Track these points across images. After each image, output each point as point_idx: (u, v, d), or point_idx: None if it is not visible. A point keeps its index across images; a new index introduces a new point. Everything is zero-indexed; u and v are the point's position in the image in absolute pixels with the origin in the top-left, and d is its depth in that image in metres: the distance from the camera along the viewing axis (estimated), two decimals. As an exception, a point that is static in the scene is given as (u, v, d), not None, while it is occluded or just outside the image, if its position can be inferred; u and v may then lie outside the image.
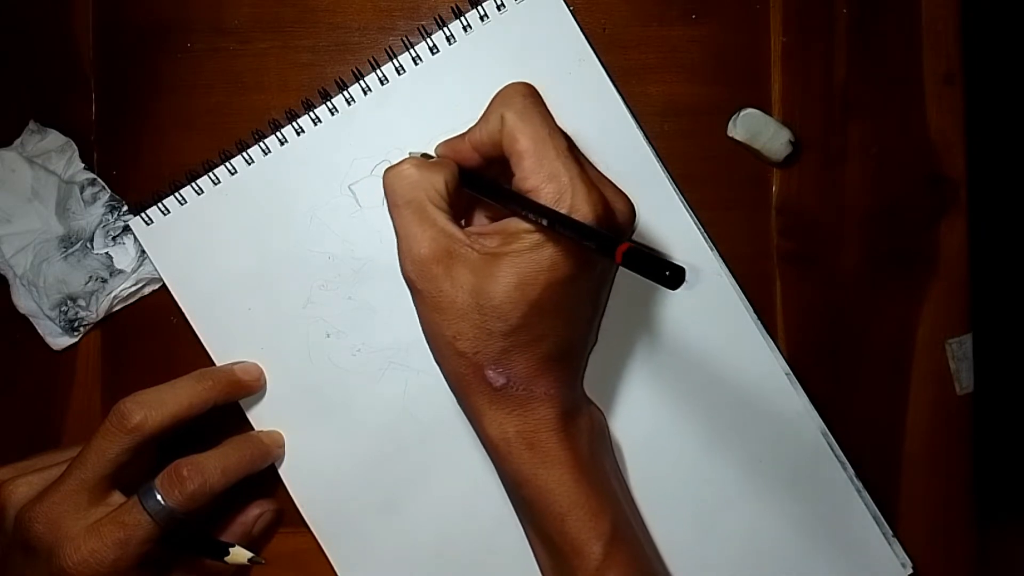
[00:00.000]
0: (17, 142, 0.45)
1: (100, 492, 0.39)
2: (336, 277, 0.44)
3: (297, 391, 0.44)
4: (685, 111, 0.45)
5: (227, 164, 0.44)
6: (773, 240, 0.45)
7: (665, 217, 0.44)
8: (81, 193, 0.44)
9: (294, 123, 0.44)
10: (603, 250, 0.31)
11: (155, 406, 0.39)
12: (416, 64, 0.44)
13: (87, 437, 0.39)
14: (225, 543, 0.39)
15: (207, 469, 0.39)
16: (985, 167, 0.51)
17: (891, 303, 0.45)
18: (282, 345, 0.44)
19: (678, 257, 0.44)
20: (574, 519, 0.37)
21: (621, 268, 0.30)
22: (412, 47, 0.44)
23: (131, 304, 0.45)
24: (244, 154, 0.44)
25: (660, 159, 0.44)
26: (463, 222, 0.41)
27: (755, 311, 0.44)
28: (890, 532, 0.44)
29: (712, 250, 0.44)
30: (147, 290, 0.45)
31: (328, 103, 0.44)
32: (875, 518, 0.44)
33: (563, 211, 0.34)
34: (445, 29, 0.43)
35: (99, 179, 0.45)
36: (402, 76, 0.44)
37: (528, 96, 0.37)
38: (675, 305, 0.44)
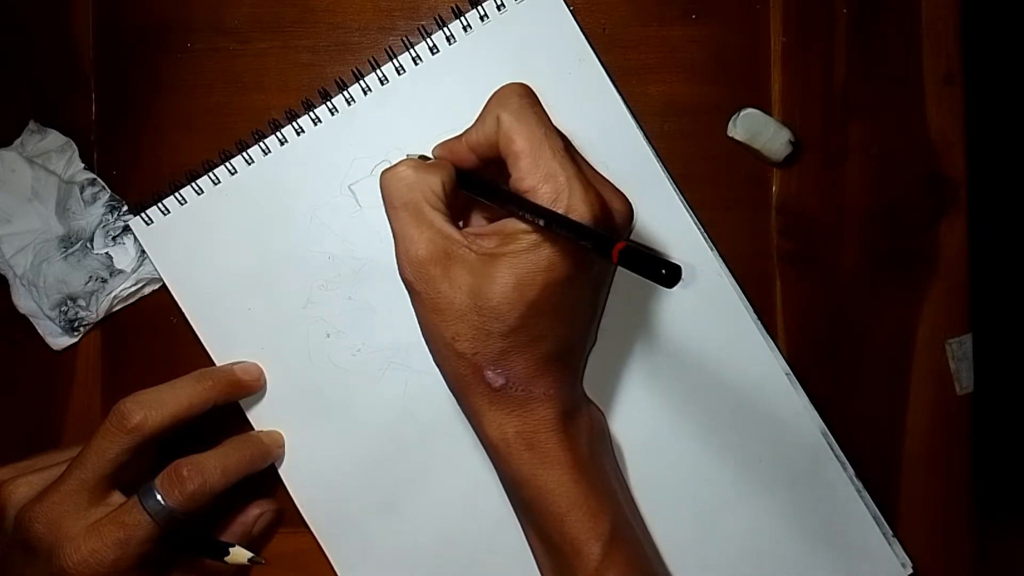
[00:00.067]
0: (17, 142, 0.45)
1: (100, 492, 0.39)
2: (336, 277, 0.44)
3: (297, 391, 0.44)
4: (685, 111, 0.45)
5: (227, 164, 0.44)
6: (773, 240, 0.45)
7: (665, 217, 0.44)
8: (81, 193, 0.44)
9: (294, 123, 0.44)
10: (600, 249, 0.31)
11: (155, 406, 0.39)
12: (416, 64, 0.44)
13: (87, 437, 0.39)
14: (225, 543, 0.39)
15: (207, 469, 0.39)
16: (985, 167, 0.51)
17: (891, 303, 0.45)
18: (282, 345, 0.44)
19: (678, 257, 0.44)
20: (573, 519, 0.37)
21: (620, 269, 0.30)
22: (412, 47, 0.44)
23: (131, 304, 0.45)
24: (244, 154, 0.44)
25: (660, 159, 0.44)
26: (461, 223, 0.41)
27: (755, 311, 0.44)
28: (890, 532, 0.44)
29: (712, 250, 0.44)
30: (147, 290, 0.45)
31: (328, 103, 0.44)
32: (875, 518, 0.44)
33: (560, 211, 0.34)
34: (445, 29, 0.43)
35: (99, 179, 0.45)
36: (402, 76, 0.44)
37: (524, 97, 0.37)
38: (675, 305, 0.44)
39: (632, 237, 0.44)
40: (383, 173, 0.38)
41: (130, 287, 0.45)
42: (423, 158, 0.41)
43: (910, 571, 0.44)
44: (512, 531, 0.42)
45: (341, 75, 0.44)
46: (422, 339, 0.38)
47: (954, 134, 0.45)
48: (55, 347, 0.45)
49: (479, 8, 0.43)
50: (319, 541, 0.45)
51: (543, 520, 0.38)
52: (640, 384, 0.44)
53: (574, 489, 0.37)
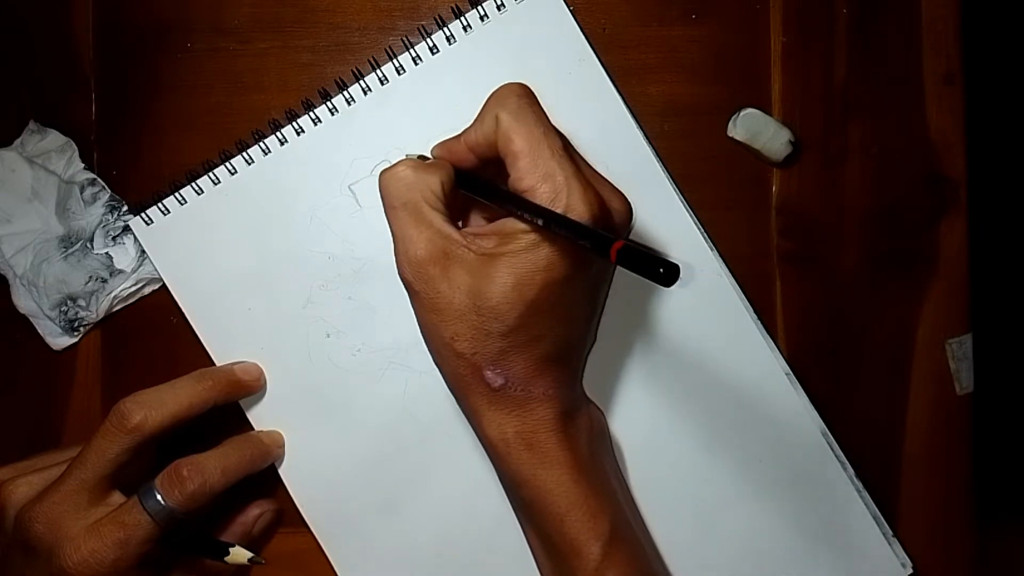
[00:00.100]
0: (17, 142, 0.45)
1: (100, 492, 0.39)
2: (336, 277, 0.44)
3: (297, 391, 0.44)
4: (685, 111, 0.45)
5: (227, 164, 0.44)
6: (773, 240, 0.45)
7: (665, 217, 0.44)
8: (81, 193, 0.44)
9: (294, 123, 0.44)
10: (598, 249, 0.31)
11: (155, 406, 0.39)
12: (416, 64, 0.44)
13: (87, 437, 0.39)
14: (225, 543, 0.39)
15: (207, 469, 0.39)
16: (985, 167, 0.51)
17: (891, 303, 0.45)
18: (282, 345, 0.44)
19: (678, 257, 0.44)
20: (573, 519, 0.37)
21: (620, 269, 0.30)
22: (412, 47, 0.44)
23: (131, 304, 0.45)
24: (244, 154, 0.44)
25: (660, 159, 0.44)
26: (460, 223, 0.41)
27: (755, 311, 0.44)
28: (890, 532, 0.44)
29: (712, 250, 0.44)
30: (147, 290, 0.45)
31: (328, 103, 0.44)
32: (875, 518, 0.44)
33: (559, 211, 0.34)
34: (445, 29, 0.43)
35: (99, 179, 0.45)
36: (402, 76, 0.44)
37: (522, 96, 0.37)
38: (675, 305, 0.44)
39: (632, 237, 0.44)
40: (382, 173, 0.38)
41: (130, 287, 0.45)
42: (422, 158, 0.41)
43: (910, 571, 0.44)
44: (512, 531, 0.42)
45: (341, 75, 0.44)
46: (422, 339, 0.38)
47: (954, 134, 0.45)
48: (55, 347, 0.45)
49: (479, 8, 0.43)
50: (319, 541, 0.45)
51: (543, 520, 0.38)
52: (640, 384, 0.44)
53: (573, 489, 0.37)
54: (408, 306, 0.38)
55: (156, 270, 0.44)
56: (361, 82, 0.44)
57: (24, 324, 0.45)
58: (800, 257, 0.45)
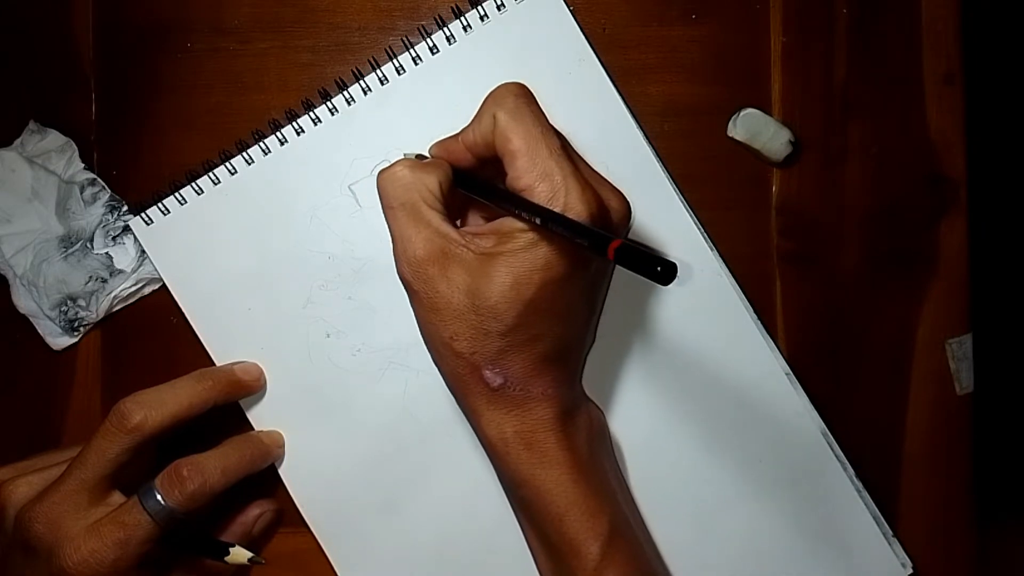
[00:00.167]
0: (17, 142, 0.45)
1: (100, 492, 0.39)
2: (336, 277, 0.44)
3: (297, 391, 0.44)
4: (685, 111, 0.45)
5: (227, 164, 0.44)
6: (773, 240, 0.45)
7: (665, 217, 0.44)
8: (81, 193, 0.44)
9: (294, 123, 0.44)
10: (596, 247, 0.31)
11: (155, 406, 0.39)
12: (416, 64, 0.44)
13: (87, 437, 0.39)
14: (225, 543, 0.39)
15: (207, 469, 0.39)
16: (985, 167, 0.51)
17: (891, 303, 0.45)
18: (282, 345, 0.44)
19: (678, 257, 0.44)
20: (572, 519, 0.37)
21: (620, 268, 0.30)
22: (412, 47, 0.44)
23: (131, 304, 0.45)
24: (244, 154, 0.44)
25: (660, 159, 0.44)
26: (458, 222, 0.41)
27: (755, 311, 0.44)
28: (890, 532, 0.44)
29: (712, 250, 0.44)
30: (147, 290, 0.45)
31: (328, 103, 0.44)
32: (875, 518, 0.44)
33: (557, 210, 0.34)
34: (445, 29, 0.43)
35: (99, 179, 0.45)
36: (402, 76, 0.44)
37: (520, 96, 0.37)
38: (675, 305, 0.44)
39: (632, 237, 0.44)
40: (380, 173, 0.38)
41: (130, 287, 0.45)
42: (420, 157, 0.41)
43: (910, 571, 0.44)
44: (512, 531, 0.42)
45: (341, 75, 0.44)
46: (421, 339, 0.38)
47: (954, 134, 0.45)
48: (55, 347, 0.45)
49: (479, 8, 0.43)
50: (319, 541, 0.45)
51: (542, 520, 0.38)
52: (640, 384, 0.44)
53: (573, 489, 0.37)
54: (408, 306, 0.38)
55: (156, 270, 0.44)
56: (361, 82, 0.44)
57: (24, 324, 0.45)
58: (800, 257, 0.45)
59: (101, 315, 0.45)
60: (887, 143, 0.45)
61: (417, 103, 0.44)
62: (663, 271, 0.29)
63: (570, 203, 0.34)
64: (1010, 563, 0.63)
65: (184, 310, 0.44)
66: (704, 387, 0.44)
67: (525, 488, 0.38)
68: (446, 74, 0.44)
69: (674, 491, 0.44)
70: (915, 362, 0.45)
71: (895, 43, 0.45)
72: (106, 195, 0.45)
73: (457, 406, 0.40)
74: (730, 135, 0.44)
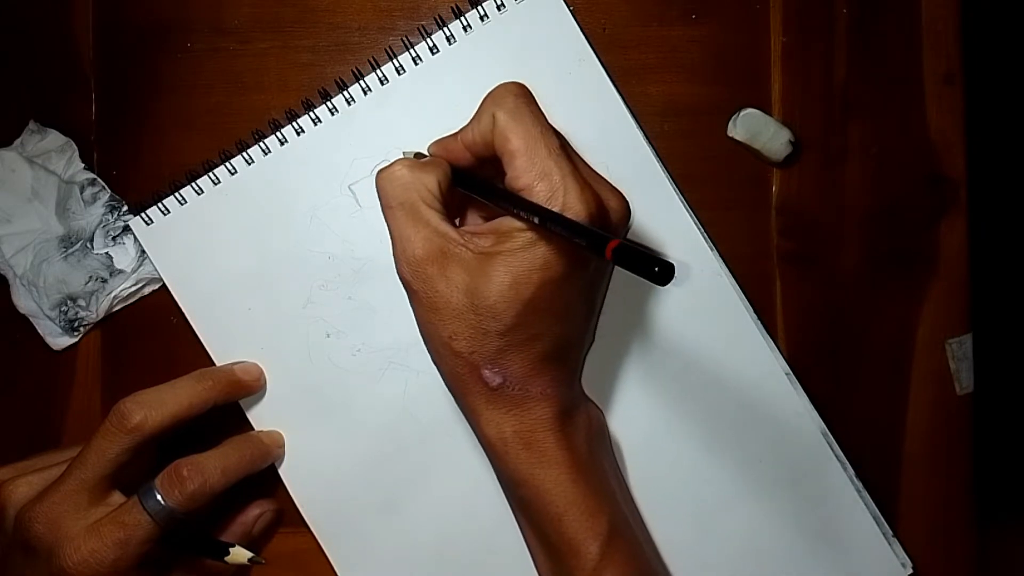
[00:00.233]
0: (17, 142, 0.45)
1: (100, 492, 0.39)
2: (336, 277, 0.44)
3: (297, 391, 0.44)
4: (685, 111, 0.45)
5: (227, 164, 0.44)
6: (773, 240, 0.45)
7: (665, 217, 0.44)
8: (81, 193, 0.44)
9: (294, 123, 0.44)
10: (594, 247, 0.31)
11: (155, 406, 0.39)
12: (416, 64, 0.44)
13: (87, 437, 0.39)
14: (225, 543, 0.39)
15: (207, 469, 0.39)
16: (985, 167, 0.51)
17: (891, 303, 0.45)
18: (282, 345, 0.44)
19: (678, 257, 0.44)
20: (571, 519, 0.37)
21: (619, 268, 0.30)
22: (412, 47, 0.44)
23: (131, 304, 0.45)
24: (244, 154, 0.44)
25: (660, 159, 0.44)
26: (457, 222, 0.41)
27: (755, 311, 0.44)
28: (890, 532, 0.44)
29: (712, 250, 0.44)
30: (147, 290, 0.45)
31: (328, 103, 0.44)
32: (875, 518, 0.44)
33: (556, 209, 0.34)
34: (445, 29, 0.43)
35: (99, 179, 0.45)
36: (402, 76, 0.44)
37: (519, 96, 0.37)
38: (675, 305, 0.44)
39: (632, 237, 0.44)
40: (378, 173, 0.38)
41: (130, 287, 0.45)
42: (419, 156, 0.41)
43: (910, 571, 0.44)
44: (512, 531, 0.42)
45: (341, 75, 0.44)
46: (421, 339, 0.38)
47: (954, 134, 0.45)
48: (55, 347, 0.45)
49: (479, 8, 0.43)
50: (319, 541, 0.45)
51: (541, 520, 0.38)
52: (640, 384, 0.44)
53: (572, 488, 0.37)
54: (408, 306, 0.38)
55: (156, 270, 0.44)
56: (361, 82, 0.44)
57: (24, 324, 0.45)
58: (800, 257, 0.45)
59: (101, 315, 0.45)
60: (887, 143, 0.45)
61: (417, 103, 0.44)
62: (660, 271, 0.29)
63: (569, 203, 0.34)
64: (1010, 563, 0.63)
65: (184, 310, 0.44)
66: (704, 387, 0.44)
67: (524, 488, 0.38)
68: (446, 74, 0.44)
69: (674, 491, 0.44)
70: (915, 362, 0.45)
71: (895, 43, 0.45)
72: (106, 195, 0.45)
73: (457, 406, 0.40)
74: (730, 135, 0.44)
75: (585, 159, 0.41)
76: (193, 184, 0.44)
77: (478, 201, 0.40)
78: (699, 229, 0.44)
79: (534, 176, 0.35)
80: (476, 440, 0.39)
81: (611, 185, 0.39)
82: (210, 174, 0.44)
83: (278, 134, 0.44)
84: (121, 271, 0.44)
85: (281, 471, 0.45)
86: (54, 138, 0.45)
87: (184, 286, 0.44)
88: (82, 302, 0.44)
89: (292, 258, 0.44)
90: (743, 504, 0.44)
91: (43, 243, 0.44)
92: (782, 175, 0.45)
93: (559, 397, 0.38)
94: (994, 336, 0.55)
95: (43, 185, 0.44)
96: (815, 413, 0.44)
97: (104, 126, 0.45)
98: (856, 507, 0.44)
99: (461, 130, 0.39)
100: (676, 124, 0.45)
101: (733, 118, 0.44)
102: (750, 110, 0.44)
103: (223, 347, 0.44)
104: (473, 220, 0.42)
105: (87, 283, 0.44)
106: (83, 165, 0.45)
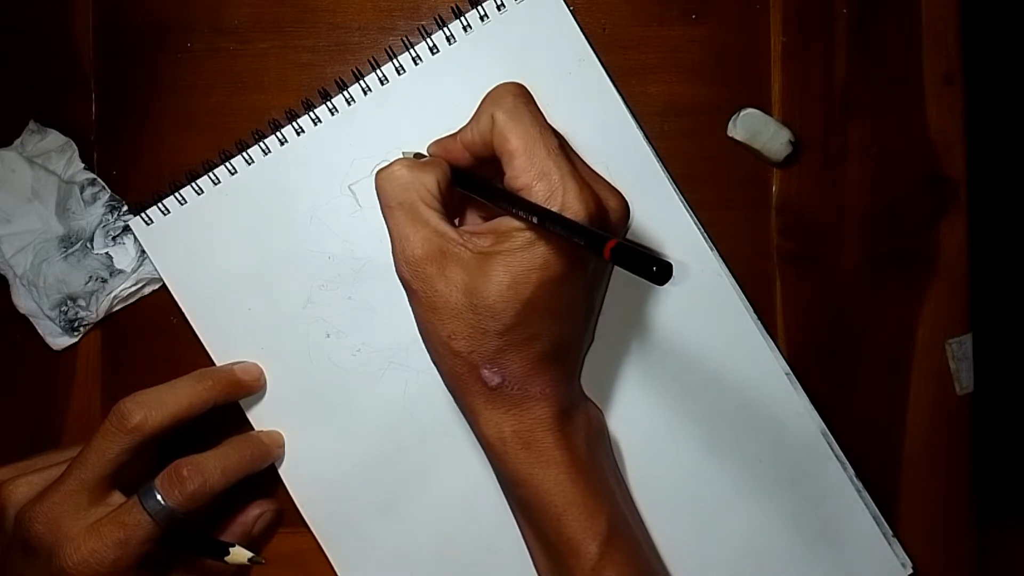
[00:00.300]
0: (17, 142, 0.45)
1: (100, 492, 0.39)
2: (336, 277, 0.44)
3: (297, 391, 0.44)
4: (685, 111, 0.45)
5: (227, 164, 0.44)
6: (773, 240, 0.45)
7: (665, 217, 0.44)
8: (81, 193, 0.44)
9: (294, 123, 0.44)
10: (592, 247, 0.31)
11: (155, 406, 0.39)
12: (416, 64, 0.44)
13: (87, 437, 0.39)
14: (225, 543, 0.39)
15: (207, 469, 0.39)
16: (985, 167, 0.51)
17: (891, 303, 0.45)
18: (282, 345, 0.44)
19: (678, 257, 0.44)
20: (570, 519, 0.37)
21: (619, 268, 0.30)
22: (412, 47, 0.44)
23: (131, 304, 0.45)
24: (244, 154, 0.44)
25: (660, 159, 0.44)
26: (456, 221, 0.42)
27: (755, 311, 0.44)
28: (890, 532, 0.44)
29: (712, 250, 0.44)
30: (147, 290, 0.45)
31: (328, 103, 0.44)
32: (875, 518, 0.44)
33: (555, 209, 0.34)
34: (445, 29, 0.43)
35: (99, 179, 0.45)
36: (402, 76, 0.44)
37: (518, 96, 0.37)
38: (675, 305, 0.44)
39: (632, 237, 0.44)
40: (378, 173, 0.38)
41: (130, 287, 0.45)
42: (418, 156, 0.41)
43: (910, 571, 0.44)
44: (512, 531, 0.42)
45: (341, 75, 0.44)
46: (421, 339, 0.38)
47: (954, 134, 0.45)
48: (55, 347, 0.45)
49: (479, 8, 0.43)
50: (319, 541, 0.45)
51: (540, 519, 0.38)
52: (639, 384, 0.44)
53: (571, 488, 0.37)
54: (408, 306, 0.38)
55: (156, 270, 0.44)
56: (361, 82, 0.44)
57: (24, 324, 0.45)
58: (800, 257, 0.45)
59: (101, 315, 0.45)
60: (887, 143, 0.45)
61: (417, 103, 0.44)
62: (659, 271, 0.29)
63: (567, 202, 0.34)
64: (1010, 563, 0.63)
65: (184, 310, 0.44)
66: (704, 387, 0.44)
67: (523, 488, 0.38)
68: (446, 74, 0.44)
69: (674, 491, 0.44)
70: (915, 362, 0.45)
71: (895, 43, 0.45)
72: (106, 195, 0.45)
73: (456, 406, 0.40)
74: (730, 135, 0.44)
75: (585, 159, 0.41)
76: (193, 184, 0.44)
77: (477, 201, 0.40)
78: (699, 229, 0.44)
79: (533, 176, 0.35)
80: (476, 440, 0.39)
81: (610, 185, 0.39)
82: (210, 174, 0.44)
83: (278, 134, 0.44)
84: (121, 271, 0.44)
85: (281, 471, 0.45)
86: (54, 138, 0.45)
87: (184, 286, 0.44)
88: (82, 302, 0.44)
89: (292, 258, 0.44)
90: (743, 504, 0.44)
91: (43, 243, 0.44)
92: (782, 175, 0.45)
93: (558, 397, 0.38)
94: (994, 336, 0.55)
95: (43, 185, 0.44)
96: (815, 413, 0.44)
97: (104, 126, 0.45)
98: (856, 507, 0.44)
99: (460, 130, 0.39)
100: (676, 124, 0.45)
101: (733, 118, 0.44)
102: (750, 110, 0.44)
103: (223, 347, 0.44)
104: (472, 220, 0.42)
105: (87, 283, 0.44)
106: (83, 165, 0.45)
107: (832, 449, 0.44)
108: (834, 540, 0.44)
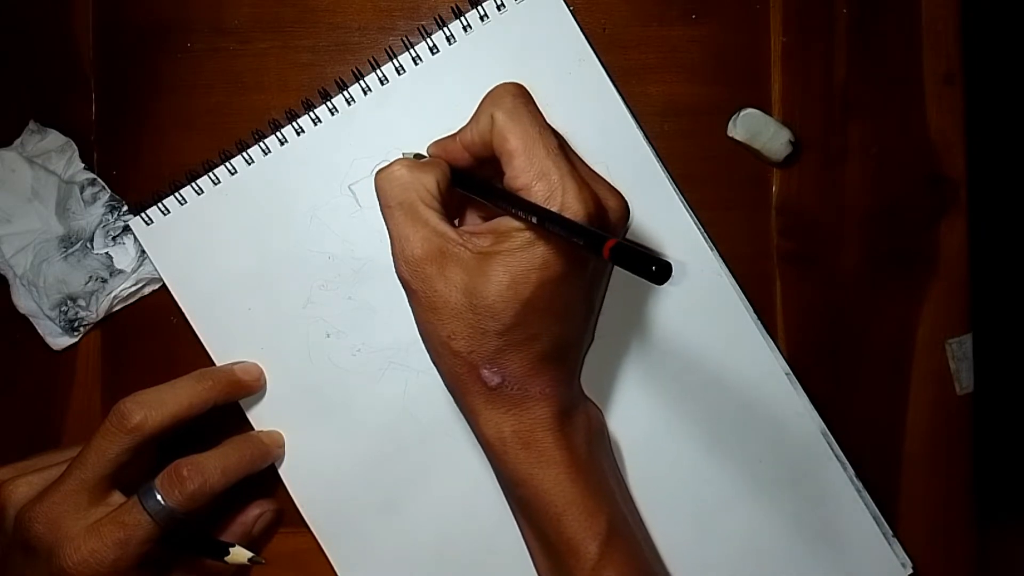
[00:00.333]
0: (17, 142, 0.45)
1: (100, 492, 0.39)
2: (336, 277, 0.44)
3: (297, 391, 0.44)
4: (685, 111, 0.45)
5: (227, 164, 0.44)
6: (773, 240, 0.45)
7: (665, 217, 0.44)
8: (81, 193, 0.44)
9: (294, 123, 0.44)
10: (591, 247, 0.31)
11: (155, 406, 0.39)
12: (416, 64, 0.44)
13: (87, 437, 0.39)
14: (225, 543, 0.39)
15: (207, 469, 0.39)
16: (985, 167, 0.51)
17: (891, 303, 0.45)
18: (282, 345, 0.44)
19: (678, 257, 0.44)
20: (570, 519, 0.37)
21: (618, 268, 0.30)
22: (412, 47, 0.44)
23: (131, 304, 0.45)
24: (244, 154, 0.44)
25: (660, 159, 0.44)
26: (456, 222, 0.42)
27: (755, 311, 0.44)
28: (890, 532, 0.44)
29: (712, 250, 0.44)
30: (147, 290, 0.45)
31: (328, 103, 0.44)
32: (875, 518, 0.44)
33: (554, 209, 0.34)
34: (445, 29, 0.43)
35: (99, 179, 0.45)
36: (402, 76, 0.44)
37: (518, 96, 0.37)
38: (675, 305, 0.44)
39: (632, 237, 0.44)
40: (377, 173, 0.38)
41: (130, 287, 0.45)
42: (418, 156, 0.41)
43: (910, 571, 0.44)
44: (512, 531, 0.42)
45: (341, 75, 0.44)
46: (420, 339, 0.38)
47: (954, 134, 0.45)
48: (55, 347, 0.45)
49: (479, 8, 0.43)
50: (319, 541, 0.45)
51: (540, 519, 0.38)
52: (639, 384, 0.44)
53: (571, 488, 0.37)
54: (408, 306, 0.38)
55: (156, 270, 0.44)
56: (361, 82, 0.44)
57: (24, 324, 0.45)
58: (800, 257, 0.45)
59: (101, 315, 0.45)
60: (887, 143, 0.45)
61: (417, 103, 0.44)
62: (658, 271, 0.29)
63: (567, 202, 0.35)
64: (1010, 563, 0.63)
65: (184, 310, 0.44)
66: (704, 387, 0.44)
67: (523, 488, 0.38)
68: (446, 74, 0.44)
69: (674, 491, 0.44)
70: (915, 362, 0.45)
71: (895, 43, 0.45)
72: (106, 195, 0.45)
73: (456, 406, 0.40)
74: (730, 135, 0.44)
75: (585, 159, 0.41)
76: (193, 184, 0.44)
77: (477, 201, 0.40)
78: (699, 229, 0.44)
79: (532, 176, 0.35)
80: (476, 440, 0.39)
81: (610, 185, 0.39)
82: (210, 174, 0.44)
83: (278, 134, 0.44)
84: (121, 271, 0.44)
85: (281, 471, 0.45)
86: (54, 138, 0.45)
87: (184, 286, 0.44)
88: (82, 302, 0.44)
89: (292, 258, 0.44)
90: (743, 504, 0.44)
91: (43, 243, 0.44)
92: (782, 175, 0.45)
93: (558, 397, 0.38)
94: (994, 336, 0.55)
95: (43, 185, 0.44)
96: (815, 413, 0.44)
97: (104, 126, 0.45)
98: (856, 507, 0.44)
99: (460, 130, 0.39)
100: (676, 124, 0.45)
101: (733, 118, 0.44)
102: (750, 110, 0.44)
103: (223, 347, 0.44)
104: (472, 220, 0.42)
105: (87, 283, 0.44)
106: (83, 165, 0.45)
107: (832, 449, 0.44)
108: (834, 540, 0.44)
